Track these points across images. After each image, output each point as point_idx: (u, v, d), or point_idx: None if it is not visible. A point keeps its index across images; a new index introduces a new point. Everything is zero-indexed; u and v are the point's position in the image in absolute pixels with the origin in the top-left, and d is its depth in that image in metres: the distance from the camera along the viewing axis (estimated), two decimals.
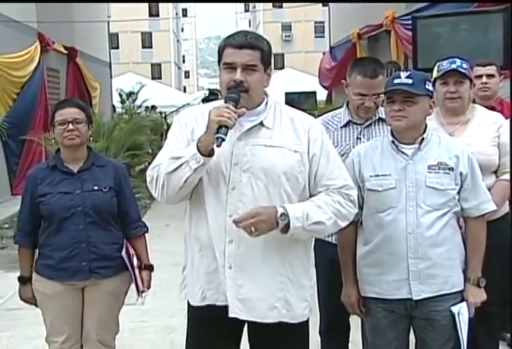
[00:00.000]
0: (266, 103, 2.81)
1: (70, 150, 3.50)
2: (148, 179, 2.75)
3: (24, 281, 3.54)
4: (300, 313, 2.83)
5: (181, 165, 2.61)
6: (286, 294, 2.76)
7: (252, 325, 2.80)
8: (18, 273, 3.60)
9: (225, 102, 2.64)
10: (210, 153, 2.60)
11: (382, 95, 3.43)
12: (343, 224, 2.78)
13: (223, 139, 2.54)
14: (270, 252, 2.71)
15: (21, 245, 3.54)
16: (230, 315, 2.71)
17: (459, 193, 3.03)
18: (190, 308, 2.90)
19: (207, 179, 2.70)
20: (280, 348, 2.84)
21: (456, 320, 3.00)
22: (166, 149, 2.79)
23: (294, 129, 2.77)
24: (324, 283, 3.72)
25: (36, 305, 3.61)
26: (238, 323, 2.81)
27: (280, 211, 2.62)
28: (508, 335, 4.47)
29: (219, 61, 2.76)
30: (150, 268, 3.66)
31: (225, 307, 2.73)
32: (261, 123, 2.75)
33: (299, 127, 2.78)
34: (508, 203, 3.87)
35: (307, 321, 2.90)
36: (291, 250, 2.76)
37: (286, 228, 2.63)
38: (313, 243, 3.78)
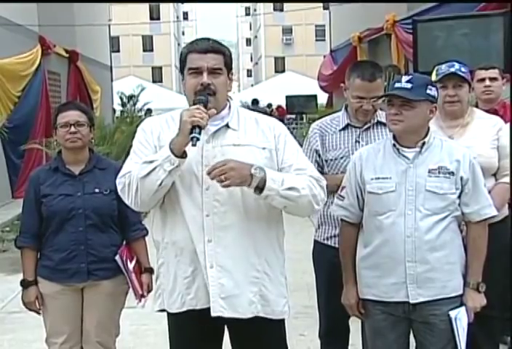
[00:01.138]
0: (229, 107, 2.87)
1: (72, 153, 3.52)
2: (120, 187, 2.76)
3: (26, 284, 3.54)
4: (280, 310, 2.86)
5: (155, 168, 2.63)
6: (262, 289, 2.80)
7: (232, 324, 2.82)
8: (19, 276, 3.60)
9: (194, 104, 2.69)
10: (183, 155, 2.64)
11: (380, 100, 3.46)
12: (315, 205, 2.77)
13: (198, 139, 2.59)
14: (248, 249, 2.75)
15: (25, 247, 3.55)
16: (213, 314, 2.73)
17: (459, 197, 3.04)
18: (170, 315, 2.92)
19: (180, 183, 2.73)
20: (259, 345, 2.87)
21: (453, 325, 3.00)
22: (133, 157, 2.82)
23: (260, 129, 2.85)
24: (323, 287, 3.72)
25: (38, 313, 3.61)
26: (219, 324, 2.84)
27: (256, 165, 2.65)
28: (509, 338, 4.47)
29: (182, 67, 2.82)
30: (150, 271, 3.66)
31: (205, 310, 2.75)
32: (227, 126, 2.81)
33: (264, 126, 2.86)
34: (507, 206, 3.87)
35: (284, 319, 2.92)
36: (266, 246, 2.80)
37: (261, 188, 2.64)
38: (311, 247, 3.81)
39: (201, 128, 2.61)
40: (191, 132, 2.59)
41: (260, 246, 2.78)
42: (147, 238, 3.68)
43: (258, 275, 2.79)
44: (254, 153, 2.77)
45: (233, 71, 2.89)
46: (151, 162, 2.65)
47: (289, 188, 2.67)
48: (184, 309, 2.81)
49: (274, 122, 2.92)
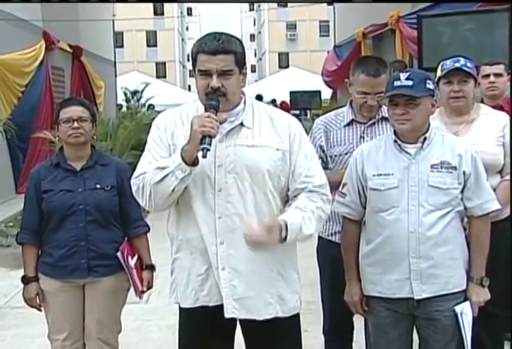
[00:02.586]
0: (244, 102, 2.83)
1: (74, 148, 3.51)
2: (134, 189, 2.76)
3: (27, 280, 3.54)
4: (293, 306, 2.87)
5: (167, 175, 2.63)
6: (279, 290, 2.81)
7: (245, 322, 2.82)
8: (22, 272, 3.59)
9: (206, 110, 2.66)
10: (194, 162, 2.62)
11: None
12: (319, 227, 2.89)
13: (208, 150, 2.57)
14: (260, 250, 2.74)
15: (25, 243, 3.54)
16: (227, 316, 2.74)
17: (462, 192, 3.03)
18: (182, 310, 2.92)
19: (193, 184, 2.72)
20: (275, 342, 2.87)
21: (459, 320, 3.00)
22: (147, 155, 2.80)
23: (274, 127, 2.81)
24: (327, 283, 3.72)
25: (39, 309, 3.61)
26: (232, 321, 2.84)
27: (283, 234, 2.67)
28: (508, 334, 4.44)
29: (193, 66, 2.77)
30: (151, 268, 3.66)
31: (218, 307, 2.75)
32: (241, 124, 2.78)
33: (278, 124, 2.82)
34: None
35: (298, 313, 2.94)
36: (279, 245, 2.78)
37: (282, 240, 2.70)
38: (315, 243, 3.80)
39: (211, 137, 2.59)
40: (201, 142, 2.57)
41: (272, 247, 2.75)
42: (149, 235, 3.68)
43: (273, 275, 2.80)
44: (268, 154, 2.75)
45: (246, 66, 2.80)
46: (163, 168, 2.64)
47: (305, 236, 2.75)
48: (197, 305, 2.81)
49: (289, 119, 2.89)
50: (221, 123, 2.65)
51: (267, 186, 2.74)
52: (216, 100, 2.67)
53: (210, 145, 2.58)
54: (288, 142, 2.80)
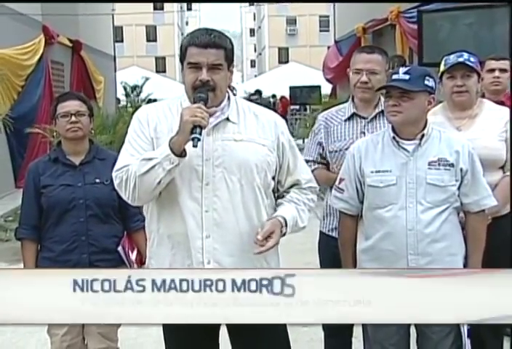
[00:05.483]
0: (228, 98, 2.83)
1: (72, 143, 3.50)
2: (117, 182, 2.73)
3: None
4: None
5: (154, 166, 2.60)
6: None
7: None
8: (22, 266, 3.59)
9: (195, 102, 2.66)
10: (182, 154, 2.61)
11: (379, 76, 3.50)
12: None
13: (199, 139, 2.56)
14: (245, 245, 2.73)
15: (25, 239, 3.53)
16: None
17: (459, 188, 3.04)
18: None
19: (179, 177, 2.70)
20: (259, 337, 2.85)
21: None
22: (129, 148, 2.77)
23: (260, 124, 2.82)
24: None
25: None
26: None
27: (283, 230, 2.72)
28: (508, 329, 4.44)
29: (182, 59, 2.76)
30: None
31: None
32: (227, 119, 2.78)
33: (264, 122, 2.84)
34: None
35: None
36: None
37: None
38: (315, 238, 3.80)
39: (202, 128, 2.58)
40: (192, 132, 2.56)
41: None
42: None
43: None
44: (255, 149, 2.76)
45: (234, 63, 2.82)
46: (150, 159, 2.62)
47: (300, 228, 2.84)
48: None
49: (274, 117, 2.90)
50: (210, 115, 2.65)
51: (254, 181, 2.74)
52: (205, 93, 2.67)
53: (201, 134, 2.57)
54: (275, 140, 2.81)
